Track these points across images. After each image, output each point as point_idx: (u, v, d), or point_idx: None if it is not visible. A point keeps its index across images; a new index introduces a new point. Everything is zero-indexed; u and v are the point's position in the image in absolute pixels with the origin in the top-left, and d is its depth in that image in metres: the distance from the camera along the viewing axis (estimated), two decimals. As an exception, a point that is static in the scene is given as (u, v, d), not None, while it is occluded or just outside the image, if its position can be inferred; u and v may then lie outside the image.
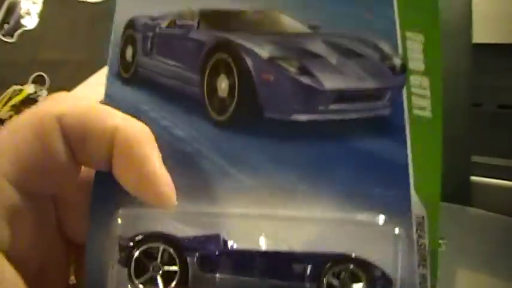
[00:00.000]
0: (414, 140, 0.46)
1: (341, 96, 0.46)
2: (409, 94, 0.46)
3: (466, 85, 1.36)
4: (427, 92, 0.46)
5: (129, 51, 0.50)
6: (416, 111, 0.46)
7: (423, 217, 0.46)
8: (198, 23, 0.48)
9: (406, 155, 0.45)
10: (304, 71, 0.45)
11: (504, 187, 1.40)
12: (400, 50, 0.45)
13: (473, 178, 1.38)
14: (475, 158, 1.40)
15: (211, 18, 0.47)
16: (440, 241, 0.75)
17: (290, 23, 0.46)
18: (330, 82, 0.45)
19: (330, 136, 0.45)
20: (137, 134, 0.41)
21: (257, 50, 0.46)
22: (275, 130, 0.45)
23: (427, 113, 0.46)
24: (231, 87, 0.46)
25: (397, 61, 0.46)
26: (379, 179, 0.45)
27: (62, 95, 0.44)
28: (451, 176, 1.22)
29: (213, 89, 0.47)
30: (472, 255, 0.81)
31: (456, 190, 1.24)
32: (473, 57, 1.36)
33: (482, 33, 1.45)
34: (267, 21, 0.47)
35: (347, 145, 0.45)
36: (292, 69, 0.45)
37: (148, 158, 0.40)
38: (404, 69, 0.45)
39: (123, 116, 0.42)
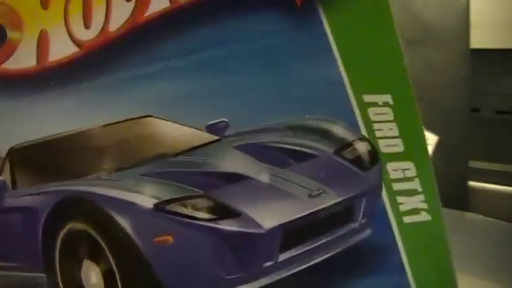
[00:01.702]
0: (414, 259, 0.29)
1: (292, 234, 0.27)
2: (392, 195, 0.29)
3: (464, 91, 1.33)
4: (417, 184, 0.29)
5: None
6: (407, 219, 0.29)
7: None
8: (13, 177, 0.27)
9: None
10: (221, 211, 0.27)
11: (502, 192, 1.37)
12: (363, 128, 0.28)
13: (471, 183, 1.35)
14: (473, 163, 1.38)
15: (34, 159, 0.27)
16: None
17: (178, 133, 0.27)
18: (269, 217, 0.27)
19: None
20: None
21: (133, 197, 0.26)
22: None
23: (424, 216, 0.29)
24: (108, 278, 0.26)
25: (362, 147, 0.28)
26: None
27: None
28: (449, 181, 1.18)
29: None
30: (470, 261, 0.75)
31: (454, 195, 1.18)
32: (471, 63, 1.34)
33: (480, 39, 1.42)
34: (138, 140, 0.28)
35: None
36: (202, 214, 0.26)
37: None
38: (375, 157, 0.28)
39: None
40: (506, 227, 0.89)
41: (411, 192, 0.29)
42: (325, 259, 0.28)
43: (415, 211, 0.29)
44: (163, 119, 0.27)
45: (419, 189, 0.29)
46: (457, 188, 1.29)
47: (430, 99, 1.26)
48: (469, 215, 1.09)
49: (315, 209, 0.28)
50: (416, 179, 0.29)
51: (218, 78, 0.28)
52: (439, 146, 0.95)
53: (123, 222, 0.26)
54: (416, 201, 0.29)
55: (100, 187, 0.27)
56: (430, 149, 0.92)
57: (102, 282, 0.27)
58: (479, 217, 1.01)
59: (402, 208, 0.29)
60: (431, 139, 0.94)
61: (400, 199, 0.29)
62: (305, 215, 0.28)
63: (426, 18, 1.35)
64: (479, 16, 1.42)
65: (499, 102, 1.65)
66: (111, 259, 0.26)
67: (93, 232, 0.27)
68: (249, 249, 0.27)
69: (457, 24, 1.35)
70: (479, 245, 0.81)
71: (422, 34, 1.34)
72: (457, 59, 1.34)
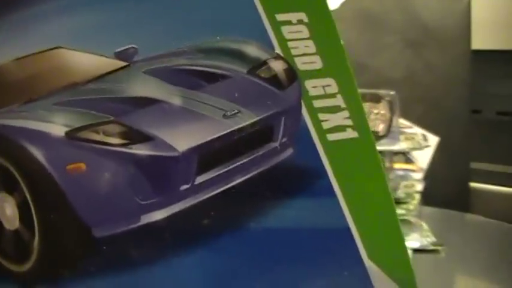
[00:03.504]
0: (343, 180, 0.28)
1: (208, 156, 0.27)
2: (313, 112, 0.28)
3: (465, 92, 1.35)
4: (340, 100, 0.28)
5: None
6: (331, 136, 0.28)
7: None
8: None
9: (342, 214, 0.28)
10: (133, 135, 0.27)
11: (503, 193, 1.41)
12: (277, 47, 0.27)
13: (472, 184, 1.37)
14: (474, 165, 1.39)
15: None
16: (439, 247, 0.69)
17: (88, 61, 0.27)
18: (183, 140, 0.27)
19: (220, 230, 0.27)
20: None
21: (44, 127, 0.26)
22: (123, 257, 0.26)
23: (350, 133, 0.29)
24: (23, 210, 0.27)
25: (278, 65, 0.28)
26: (317, 262, 0.28)
27: None
28: (450, 183, 1.27)
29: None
30: (471, 261, 0.75)
31: (455, 196, 1.26)
32: (472, 64, 1.35)
33: (481, 40, 1.44)
34: (48, 71, 0.28)
35: (253, 233, 0.27)
36: (114, 140, 0.26)
37: None
38: (292, 75, 0.28)
39: None
40: (507, 227, 0.89)
41: (334, 109, 0.28)
42: (249, 181, 0.28)
43: (339, 128, 0.28)
44: (73, 49, 0.27)
45: (343, 106, 0.28)
46: (458, 189, 1.31)
47: (431, 101, 1.32)
48: (470, 216, 1.12)
49: (230, 129, 0.28)
50: (339, 95, 0.28)
51: (125, 8, 0.28)
52: (440, 147, 0.96)
53: (36, 152, 0.26)
54: (340, 118, 0.28)
55: (12, 119, 0.27)
56: (431, 150, 0.93)
57: (17, 214, 0.27)
58: (480, 218, 1.02)
59: (325, 125, 0.28)
60: (432, 140, 0.95)
61: (322, 116, 0.28)
62: (221, 136, 0.28)
63: (427, 19, 1.35)
64: (481, 17, 1.41)
65: (500, 103, 1.67)
66: (25, 190, 0.27)
67: (7, 164, 0.27)
68: (164, 173, 0.27)
69: (458, 26, 1.34)
70: (480, 245, 0.81)
71: (423, 35, 1.35)
72: (458, 61, 1.34)
